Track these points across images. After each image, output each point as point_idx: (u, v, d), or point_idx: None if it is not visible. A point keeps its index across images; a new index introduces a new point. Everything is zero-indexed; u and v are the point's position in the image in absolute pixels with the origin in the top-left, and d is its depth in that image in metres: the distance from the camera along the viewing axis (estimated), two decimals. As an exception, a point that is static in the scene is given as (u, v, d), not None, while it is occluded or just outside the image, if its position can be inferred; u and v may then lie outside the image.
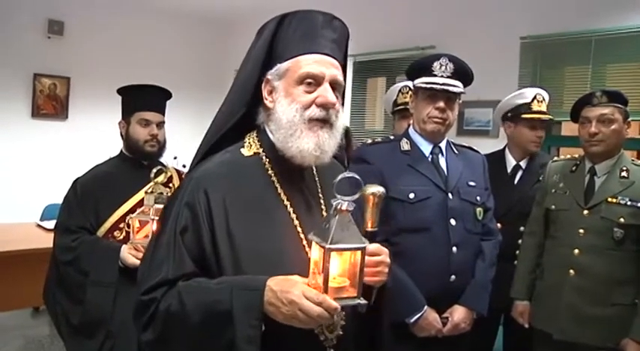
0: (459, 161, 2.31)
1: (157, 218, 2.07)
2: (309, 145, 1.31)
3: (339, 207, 1.17)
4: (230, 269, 1.26)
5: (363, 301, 1.18)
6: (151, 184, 2.33)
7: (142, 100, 2.53)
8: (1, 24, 5.37)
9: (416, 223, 2.16)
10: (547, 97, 2.93)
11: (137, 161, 2.53)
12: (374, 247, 1.28)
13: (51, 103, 5.77)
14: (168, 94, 2.64)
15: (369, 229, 1.35)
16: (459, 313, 2.19)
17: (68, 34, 5.78)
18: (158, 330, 1.26)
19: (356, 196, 1.21)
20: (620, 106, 2.36)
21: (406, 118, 2.93)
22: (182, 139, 6.22)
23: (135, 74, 6.25)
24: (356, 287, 1.18)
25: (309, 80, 1.32)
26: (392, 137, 2.42)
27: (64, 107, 5.84)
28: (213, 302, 1.20)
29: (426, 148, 2.27)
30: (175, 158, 4.97)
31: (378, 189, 1.36)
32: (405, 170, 2.22)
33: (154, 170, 2.34)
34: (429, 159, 2.26)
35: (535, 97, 2.87)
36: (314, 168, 1.45)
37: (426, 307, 2.14)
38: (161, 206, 2.08)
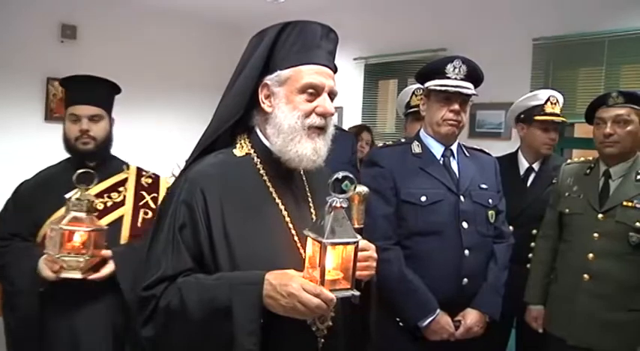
0: (470, 164, 2.30)
1: (89, 229, 1.97)
2: (307, 150, 1.39)
3: (333, 204, 1.25)
4: (226, 266, 1.32)
5: (356, 293, 1.27)
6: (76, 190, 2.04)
7: (73, 93, 2.30)
8: (14, 28, 5.42)
9: (428, 226, 2.16)
10: (561, 100, 2.91)
11: (81, 162, 2.22)
12: (362, 242, 1.34)
13: (64, 106, 5.81)
14: (107, 85, 2.34)
15: (356, 226, 1.45)
16: (471, 317, 2.18)
17: (81, 39, 5.82)
18: (158, 326, 1.31)
19: (350, 194, 1.29)
20: (636, 107, 2.32)
21: (419, 121, 2.91)
22: (195, 141, 6.25)
23: (146, 78, 6.31)
24: (349, 279, 1.26)
25: (310, 90, 1.39)
26: (403, 140, 2.41)
27: (76, 111, 5.88)
28: (212, 298, 1.26)
29: (438, 150, 2.27)
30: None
31: (363, 188, 1.47)
32: (416, 173, 2.22)
33: (77, 173, 2.03)
34: (441, 162, 2.26)
35: (549, 99, 2.86)
36: (301, 169, 1.50)
37: (438, 310, 2.13)
38: (82, 215, 1.97)
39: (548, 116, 2.84)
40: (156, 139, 6.08)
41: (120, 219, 2.20)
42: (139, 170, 2.40)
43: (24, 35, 5.49)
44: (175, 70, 6.34)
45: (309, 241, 1.25)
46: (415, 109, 2.99)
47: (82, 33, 5.83)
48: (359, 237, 1.27)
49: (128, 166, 2.38)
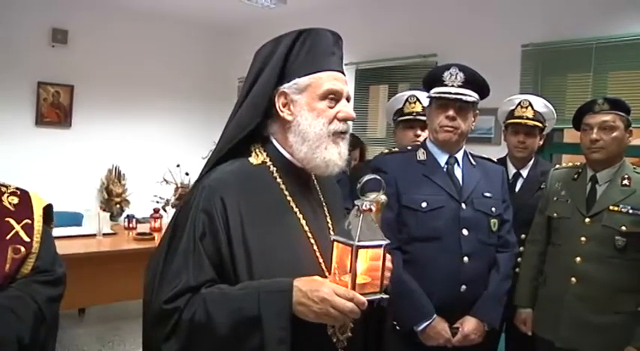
0: (476, 172, 2.31)
1: None
2: (334, 156, 1.41)
3: (362, 207, 1.24)
4: (244, 275, 1.30)
5: (385, 296, 1.26)
6: None
7: None
8: (5, 32, 5.41)
9: (427, 232, 2.17)
10: (538, 103, 2.92)
11: None
12: None
13: (54, 111, 5.80)
14: None
15: None
16: (469, 324, 2.18)
17: (72, 43, 5.82)
18: (182, 339, 1.26)
19: (381, 197, 1.31)
20: (621, 113, 2.37)
21: (412, 128, 2.89)
22: (186, 146, 6.25)
23: (138, 82, 6.31)
24: (378, 283, 1.25)
25: (331, 96, 1.41)
26: (410, 148, 2.44)
27: (67, 115, 5.87)
28: (240, 307, 1.23)
29: (442, 158, 2.28)
30: (178, 166, 4.98)
31: (382, 197, 1.44)
32: (419, 180, 2.23)
33: None
34: (444, 169, 2.27)
35: (519, 103, 2.92)
36: (314, 177, 1.52)
37: (435, 315, 2.14)
38: None
39: (515, 119, 2.90)
40: (150, 143, 6.08)
41: None
42: (22, 196, 1.60)
43: (15, 39, 5.48)
44: (166, 74, 6.36)
45: (336, 245, 1.25)
46: (408, 116, 2.95)
47: (73, 37, 5.83)
48: (387, 239, 1.27)
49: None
